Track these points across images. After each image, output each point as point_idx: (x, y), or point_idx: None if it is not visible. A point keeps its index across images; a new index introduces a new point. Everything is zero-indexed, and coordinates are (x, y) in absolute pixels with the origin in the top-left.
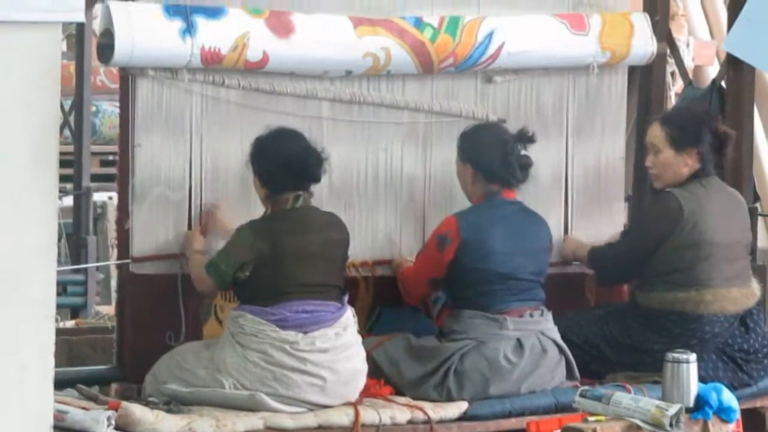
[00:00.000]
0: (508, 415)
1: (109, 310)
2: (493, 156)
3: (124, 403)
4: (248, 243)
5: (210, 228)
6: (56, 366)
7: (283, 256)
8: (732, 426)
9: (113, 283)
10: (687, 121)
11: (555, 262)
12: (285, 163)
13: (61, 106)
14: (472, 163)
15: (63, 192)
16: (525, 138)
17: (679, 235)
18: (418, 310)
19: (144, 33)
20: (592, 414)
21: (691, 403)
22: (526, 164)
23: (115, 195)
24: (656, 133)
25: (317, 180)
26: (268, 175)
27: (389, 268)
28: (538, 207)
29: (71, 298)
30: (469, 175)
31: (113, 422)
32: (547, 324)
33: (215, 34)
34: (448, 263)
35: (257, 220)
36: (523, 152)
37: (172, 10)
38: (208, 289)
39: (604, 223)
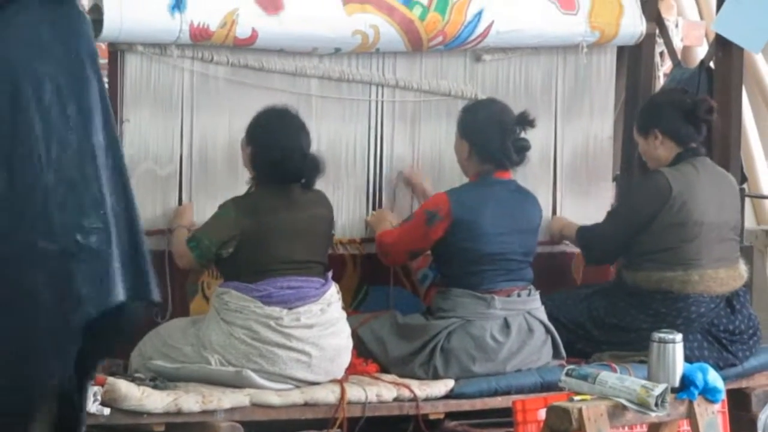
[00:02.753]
0: (494, 393)
1: None
2: (490, 137)
3: (110, 379)
4: (232, 220)
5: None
6: None
7: (268, 233)
8: (717, 406)
9: None
10: (645, 105)
11: (542, 242)
12: (280, 162)
13: None
14: (468, 141)
15: None
16: (525, 121)
17: (668, 214)
18: (406, 288)
19: (133, 8)
20: (578, 393)
21: (677, 383)
22: (523, 147)
23: None
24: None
25: (311, 185)
26: (261, 166)
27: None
28: (526, 186)
29: None
30: (465, 151)
31: (99, 397)
32: (534, 304)
33: (204, 11)
34: (434, 239)
35: (241, 196)
36: (521, 135)
37: None
38: (189, 264)
39: (592, 203)
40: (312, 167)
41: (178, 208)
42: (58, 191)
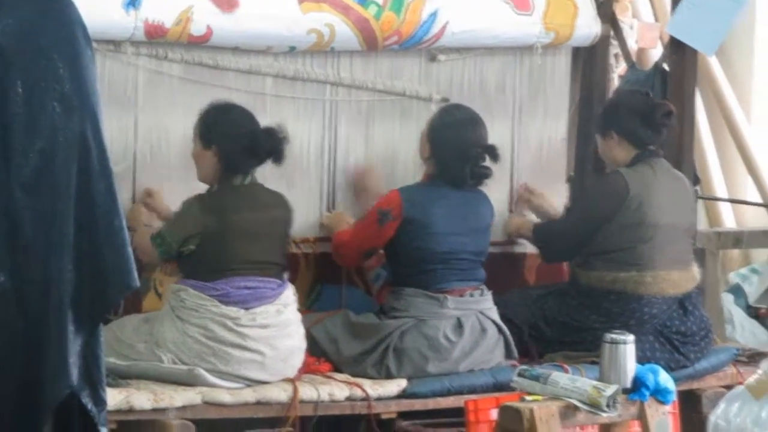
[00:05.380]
0: (447, 393)
1: None
2: (452, 157)
3: None
4: (195, 217)
5: (149, 208)
6: None
7: (229, 233)
8: (668, 407)
9: None
10: (604, 107)
11: (495, 242)
12: (251, 144)
13: None
14: (431, 145)
15: None
16: (492, 153)
17: (624, 214)
18: (359, 287)
19: (87, 5)
20: (530, 393)
21: (628, 384)
22: (482, 175)
23: None
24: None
25: (281, 159)
26: (230, 154)
27: (329, 244)
28: (482, 186)
29: None
30: (426, 152)
31: None
32: (486, 304)
33: (159, 8)
34: (387, 238)
35: (204, 194)
36: (484, 163)
37: None
38: (154, 260)
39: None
40: (278, 141)
41: (132, 207)
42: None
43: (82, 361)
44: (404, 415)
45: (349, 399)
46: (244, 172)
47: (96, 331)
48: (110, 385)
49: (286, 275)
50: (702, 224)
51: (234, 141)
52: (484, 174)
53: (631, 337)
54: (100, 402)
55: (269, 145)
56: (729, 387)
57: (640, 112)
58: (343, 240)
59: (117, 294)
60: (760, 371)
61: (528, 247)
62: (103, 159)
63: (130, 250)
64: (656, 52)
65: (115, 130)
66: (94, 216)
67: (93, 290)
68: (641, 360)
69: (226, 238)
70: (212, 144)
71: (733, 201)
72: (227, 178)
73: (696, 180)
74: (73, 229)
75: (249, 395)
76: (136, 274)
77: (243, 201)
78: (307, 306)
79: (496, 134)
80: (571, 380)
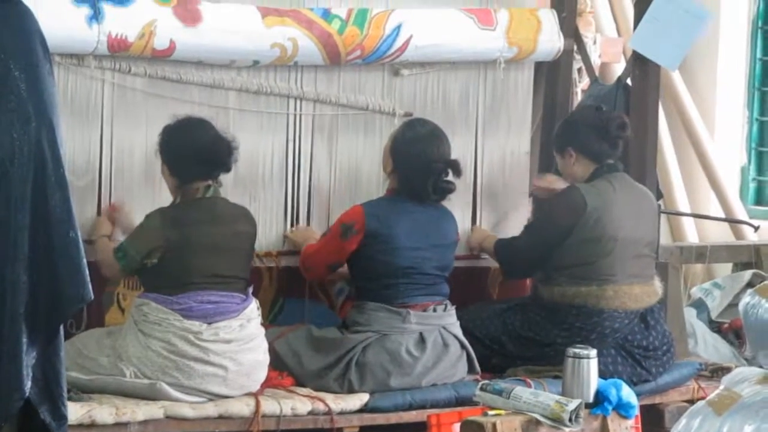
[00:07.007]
0: (409, 407)
1: None
2: (414, 171)
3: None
4: (157, 230)
5: (115, 223)
6: None
7: (191, 246)
8: (631, 422)
9: None
10: (560, 124)
11: (459, 256)
12: (195, 152)
13: None
14: (394, 160)
15: None
16: (455, 168)
17: (583, 229)
18: (321, 301)
19: (50, 19)
20: (492, 408)
21: (591, 399)
22: (445, 190)
23: None
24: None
25: (228, 169)
26: (178, 163)
27: (293, 259)
28: (445, 201)
29: None
30: (389, 166)
31: None
32: (449, 319)
33: (122, 22)
34: (349, 252)
35: (167, 208)
36: (447, 178)
37: None
38: (115, 274)
39: (509, 218)
40: (225, 150)
41: (97, 219)
42: None
43: (41, 375)
44: (366, 429)
45: (311, 413)
46: (198, 184)
47: (54, 344)
48: (72, 399)
49: (250, 290)
50: (665, 239)
51: (179, 152)
52: (448, 189)
53: (593, 352)
54: (59, 417)
55: (215, 154)
56: (691, 402)
57: (595, 126)
58: (310, 254)
59: (71, 306)
60: (722, 386)
61: (491, 262)
62: (58, 170)
63: (84, 262)
64: (619, 67)
65: (78, 143)
66: (49, 227)
67: (47, 301)
68: (603, 374)
69: (187, 252)
70: (164, 157)
71: (695, 216)
72: (187, 191)
73: (659, 195)
74: (28, 240)
75: (211, 409)
76: (90, 287)
77: (204, 214)
78: (269, 320)
79: (458, 148)
80: (533, 394)
